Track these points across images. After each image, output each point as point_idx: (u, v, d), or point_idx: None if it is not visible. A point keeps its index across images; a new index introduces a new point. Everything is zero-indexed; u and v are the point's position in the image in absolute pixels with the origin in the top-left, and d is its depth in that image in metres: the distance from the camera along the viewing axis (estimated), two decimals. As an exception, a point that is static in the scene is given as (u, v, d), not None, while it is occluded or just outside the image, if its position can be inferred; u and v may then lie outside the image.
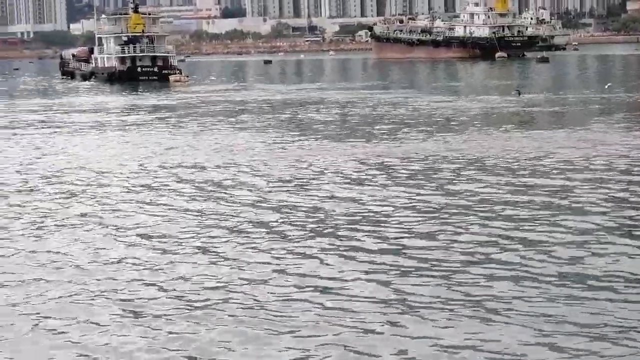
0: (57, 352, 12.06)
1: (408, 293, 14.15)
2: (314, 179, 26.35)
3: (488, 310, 13.16)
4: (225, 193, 24.27)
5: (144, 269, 16.28)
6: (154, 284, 15.18)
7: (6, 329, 13.06)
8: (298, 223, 19.94)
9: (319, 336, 12.26)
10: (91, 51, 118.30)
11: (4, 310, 13.95)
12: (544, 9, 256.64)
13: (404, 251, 16.99)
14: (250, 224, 19.98)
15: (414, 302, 13.65)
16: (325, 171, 27.83)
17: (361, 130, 40.78)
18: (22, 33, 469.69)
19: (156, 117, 52.25)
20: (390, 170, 27.53)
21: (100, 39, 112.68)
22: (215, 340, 12.27)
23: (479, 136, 36.59)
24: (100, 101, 70.99)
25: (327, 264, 16.21)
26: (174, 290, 14.77)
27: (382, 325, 12.65)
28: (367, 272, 15.46)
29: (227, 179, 26.75)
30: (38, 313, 13.73)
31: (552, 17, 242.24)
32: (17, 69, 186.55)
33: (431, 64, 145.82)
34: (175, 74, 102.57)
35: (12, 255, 17.67)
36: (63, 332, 12.81)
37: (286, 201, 22.67)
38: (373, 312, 13.24)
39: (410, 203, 21.91)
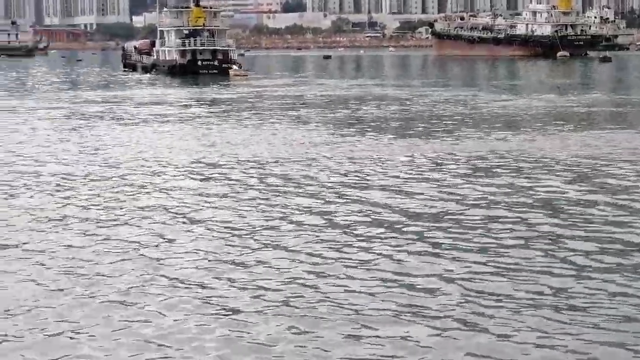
0: (122, 343, 12.17)
1: (488, 293, 14.04)
2: (375, 174, 26.29)
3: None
4: (288, 187, 24.33)
5: (213, 261, 16.38)
6: (225, 277, 15.25)
7: (78, 315, 13.25)
8: (362, 218, 19.91)
9: (394, 337, 12.20)
10: (153, 44, 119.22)
11: (80, 299, 14.13)
12: (608, 7, 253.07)
13: (472, 246, 16.86)
14: (317, 217, 20.02)
15: (491, 301, 13.54)
16: (385, 167, 27.75)
17: (421, 128, 40.61)
18: (85, 25, 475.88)
19: (216, 110, 52.56)
20: (450, 168, 27.35)
21: (162, 31, 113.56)
22: (284, 336, 12.29)
23: (539, 135, 36.23)
24: (160, 94, 71.60)
25: (401, 260, 16.13)
26: (246, 283, 14.84)
27: (460, 327, 12.55)
28: (450, 271, 15.37)
29: (289, 173, 26.81)
30: (109, 301, 13.91)
31: (616, 16, 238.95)
32: (80, 60, 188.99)
33: (492, 62, 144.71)
34: (235, 67, 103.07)
35: (83, 245, 17.86)
36: (130, 321, 12.94)
37: (350, 196, 22.65)
38: (449, 310, 13.16)
39: (475, 200, 21.75)
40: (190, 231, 19.03)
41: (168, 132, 40.26)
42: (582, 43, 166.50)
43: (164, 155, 31.53)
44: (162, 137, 38.29)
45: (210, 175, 26.79)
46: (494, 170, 26.85)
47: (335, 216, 20.28)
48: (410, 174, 26.41)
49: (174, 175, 26.87)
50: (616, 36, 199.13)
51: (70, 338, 12.31)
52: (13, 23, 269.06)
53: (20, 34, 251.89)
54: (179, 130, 41.08)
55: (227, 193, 23.58)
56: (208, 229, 19.17)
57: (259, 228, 19.11)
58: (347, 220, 19.78)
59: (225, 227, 19.25)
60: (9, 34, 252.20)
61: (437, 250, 16.88)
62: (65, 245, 17.68)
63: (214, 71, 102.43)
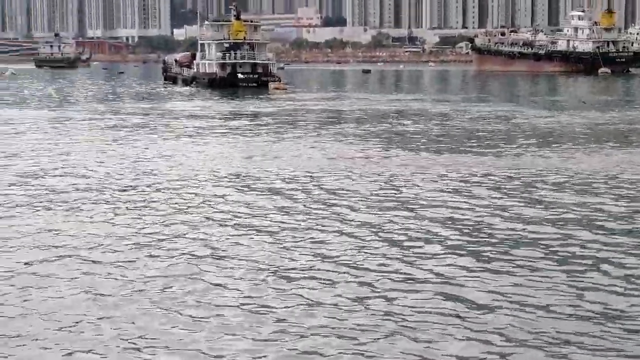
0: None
1: (536, 307, 13.97)
2: (417, 188, 26.25)
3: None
4: (331, 199, 24.39)
5: (266, 271, 16.57)
6: (280, 288, 15.38)
7: (145, 321, 13.43)
8: (407, 231, 19.90)
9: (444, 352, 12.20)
10: (193, 57, 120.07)
11: (141, 304, 14.33)
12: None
13: (515, 262, 16.79)
14: (359, 229, 20.11)
15: (542, 317, 13.48)
16: (426, 181, 27.69)
17: (461, 143, 40.47)
18: (127, 37, 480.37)
19: (255, 124, 52.75)
20: (490, 184, 27.24)
21: (202, 44, 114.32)
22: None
23: (580, 152, 35.98)
24: (200, 106, 72.00)
25: (449, 275, 16.12)
26: (302, 294, 14.96)
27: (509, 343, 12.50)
28: (512, 285, 15.33)
29: (330, 186, 26.86)
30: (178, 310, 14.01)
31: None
32: (121, 73, 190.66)
33: (532, 78, 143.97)
34: (275, 81, 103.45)
35: (129, 255, 18.03)
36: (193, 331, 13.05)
37: (391, 209, 22.63)
38: (498, 325, 13.12)
39: (517, 216, 21.65)
40: (239, 240, 19.28)
41: (208, 145, 40.45)
42: (623, 60, 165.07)
43: (206, 168, 31.68)
44: (202, 149, 38.47)
45: (253, 187, 26.90)
46: (535, 187, 26.69)
47: (379, 229, 20.27)
48: (451, 188, 26.33)
49: (218, 188, 27.00)
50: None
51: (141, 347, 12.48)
52: (56, 35, 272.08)
53: (63, 46, 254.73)
54: (218, 143, 41.26)
55: (273, 205, 23.72)
56: (258, 239, 19.36)
57: (304, 239, 19.23)
58: (391, 234, 19.76)
59: (274, 238, 19.44)
60: (52, 46, 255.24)
61: (480, 265, 16.82)
62: (120, 259, 17.85)
63: (254, 84, 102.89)
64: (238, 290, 15.29)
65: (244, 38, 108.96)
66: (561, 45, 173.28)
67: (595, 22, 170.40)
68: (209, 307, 14.31)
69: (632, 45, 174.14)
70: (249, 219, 21.77)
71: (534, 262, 17.13)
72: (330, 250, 18.31)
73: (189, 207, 23.64)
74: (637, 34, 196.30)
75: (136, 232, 20.34)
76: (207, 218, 21.94)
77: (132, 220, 21.77)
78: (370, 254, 17.96)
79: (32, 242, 19.20)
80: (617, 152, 35.96)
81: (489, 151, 36.66)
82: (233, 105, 73.19)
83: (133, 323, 13.50)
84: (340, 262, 17.24)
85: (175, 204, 24.11)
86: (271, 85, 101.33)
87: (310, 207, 23.33)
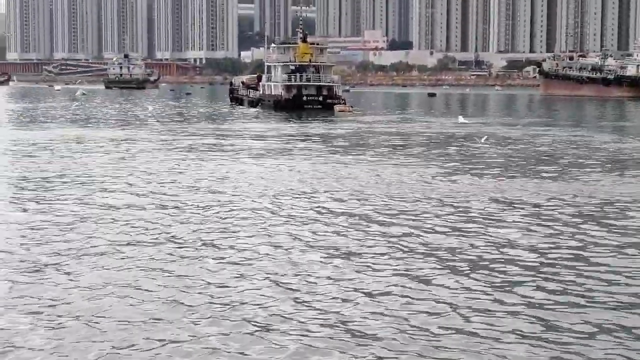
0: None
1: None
2: (488, 213, 26.01)
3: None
4: (398, 221, 24.26)
5: (341, 287, 16.59)
6: (360, 305, 15.28)
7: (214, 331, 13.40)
8: (483, 254, 19.71)
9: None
10: (259, 78, 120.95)
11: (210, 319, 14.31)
12: None
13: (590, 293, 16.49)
14: (441, 254, 19.92)
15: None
16: (497, 206, 27.42)
17: (529, 167, 40.04)
18: (195, 59, 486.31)
19: (320, 146, 52.81)
20: (557, 209, 26.88)
21: (269, 67, 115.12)
22: None
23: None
24: (265, 128, 72.37)
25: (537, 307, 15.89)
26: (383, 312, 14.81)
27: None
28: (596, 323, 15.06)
29: (398, 208, 26.74)
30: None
31: None
32: (189, 94, 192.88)
33: (601, 103, 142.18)
34: (340, 103, 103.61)
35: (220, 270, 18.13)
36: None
37: (459, 232, 22.45)
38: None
39: (587, 243, 21.33)
40: (320, 261, 19.41)
41: (272, 166, 40.58)
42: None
43: (272, 189, 31.78)
44: (266, 169, 38.61)
45: (322, 207, 26.93)
46: (605, 213, 26.28)
47: (448, 251, 20.10)
48: (519, 213, 26.04)
49: (288, 206, 27.07)
50: None
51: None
52: (126, 56, 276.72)
53: (132, 67, 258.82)
54: (283, 164, 41.36)
55: (344, 225, 23.73)
56: (330, 259, 19.37)
57: (376, 258, 19.18)
58: (468, 257, 19.58)
59: (349, 257, 19.53)
60: (121, 67, 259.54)
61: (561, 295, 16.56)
62: (207, 276, 17.97)
63: (319, 106, 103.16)
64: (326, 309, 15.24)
65: (310, 60, 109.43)
66: (630, 71, 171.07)
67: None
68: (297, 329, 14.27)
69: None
70: (319, 236, 21.81)
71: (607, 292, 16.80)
72: (408, 269, 18.17)
73: (251, 224, 23.71)
74: None
75: (212, 246, 20.46)
76: (283, 233, 22.08)
77: (216, 233, 21.93)
78: (443, 274, 17.81)
79: (111, 262, 19.41)
80: (688, 179, 35.23)
81: (558, 176, 36.20)
82: (297, 127, 73.45)
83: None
84: (421, 280, 17.12)
85: (241, 219, 24.20)
86: (336, 107, 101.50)
87: (380, 227, 23.22)
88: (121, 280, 17.60)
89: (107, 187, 32.30)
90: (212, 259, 19.73)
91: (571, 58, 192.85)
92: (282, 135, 62.94)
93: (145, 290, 16.78)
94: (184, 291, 16.72)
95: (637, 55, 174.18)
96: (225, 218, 25.29)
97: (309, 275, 18.15)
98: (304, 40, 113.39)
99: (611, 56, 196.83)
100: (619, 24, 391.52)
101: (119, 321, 14.70)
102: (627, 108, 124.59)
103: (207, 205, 27.71)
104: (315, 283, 17.41)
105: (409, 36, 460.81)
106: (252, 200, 28.84)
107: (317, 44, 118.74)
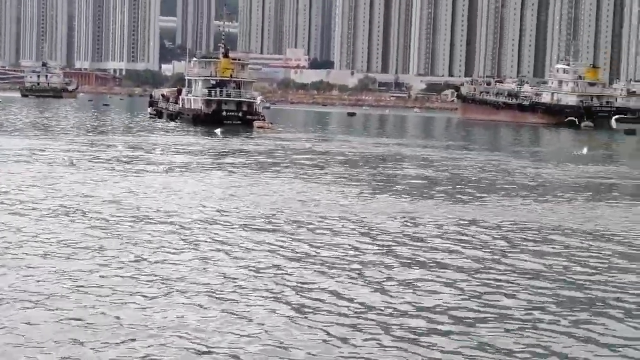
0: None
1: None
2: (395, 233, 26.11)
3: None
4: (305, 238, 24.18)
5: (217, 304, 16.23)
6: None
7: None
8: (382, 275, 19.73)
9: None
10: (180, 92, 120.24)
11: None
12: (636, 81, 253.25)
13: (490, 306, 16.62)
14: (349, 274, 19.86)
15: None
16: (407, 226, 27.56)
17: (443, 190, 40.42)
18: (115, 70, 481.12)
19: (236, 161, 52.58)
20: (470, 232, 27.15)
21: (189, 80, 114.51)
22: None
23: (557, 204, 35.98)
24: (181, 142, 71.85)
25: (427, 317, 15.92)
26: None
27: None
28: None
29: (311, 231, 26.65)
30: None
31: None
32: (107, 105, 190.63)
33: (516, 128, 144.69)
34: (259, 120, 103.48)
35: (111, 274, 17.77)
36: None
37: (365, 252, 22.48)
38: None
39: (492, 263, 21.55)
40: (216, 270, 19.13)
41: (185, 180, 40.23)
42: (607, 114, 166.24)
43: (181, 203, 31.50)
44: (178, 184, 38.27)
45: (227, 223, 26.72)
46: (509, 237, 26.63)
47: (348, 271, 20.10)
48: (431, 235, 26.23)
49: (194, 223, 26.80)
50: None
51: None
52: (44, 64, 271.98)
53: (50, 76, 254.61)
54: (193, 179, 41.04)
55: (243, 242, 23.56)
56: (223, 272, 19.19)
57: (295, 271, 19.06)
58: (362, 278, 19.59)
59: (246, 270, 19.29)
60: (38, 75, 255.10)
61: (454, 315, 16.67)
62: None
63: (238, 122, 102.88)
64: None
65: (231, 76, 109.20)
66: (545, 98, 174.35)
67: (580, 76, 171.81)
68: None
69: (615, 100, 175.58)
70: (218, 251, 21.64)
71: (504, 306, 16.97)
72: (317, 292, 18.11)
73: (163, 238, 23.43)
74: (621, 90, 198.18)
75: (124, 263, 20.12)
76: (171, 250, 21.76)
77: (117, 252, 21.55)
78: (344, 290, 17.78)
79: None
80: (591, 206, 35.93)
81: (471, 199, 36.61)
82: (214, 142, 73.07)
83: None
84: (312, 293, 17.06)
85: (149, 237, 23.90)
86: (256, 124, 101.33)
87: (273, 245, 23.15)
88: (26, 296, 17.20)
89: (12, 201, 31.64)
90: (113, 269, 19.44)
91: (488, 83, 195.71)
92: (198, 150, 62.53)
93: (58, 308, 16.40)
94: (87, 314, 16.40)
95: (552, 82, 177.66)
96: (137, 231, 24.95)
97: (222, 286, 18.00)
98: (226, 56, 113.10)
99: (527, 82, 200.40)
100: (535, 51, 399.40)
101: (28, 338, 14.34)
102: (541, 134, 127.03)
103: (116, 219, 27.30)
104: (222, 295, 17.26)
105: (331, 55, 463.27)
106: (163, 215, 28.52)
107: (239, 60, 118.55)
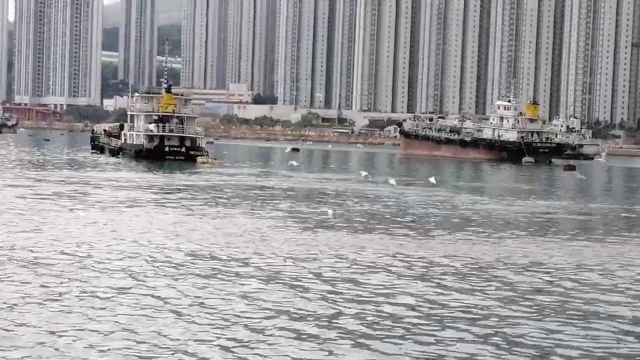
0: None
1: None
2: (334, 269, 26.02)
3: None
4: (246, 285, 24.00)
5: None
6: None
7: None
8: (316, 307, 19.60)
9: None
10: (122, 127, 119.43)
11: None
12: (575, 117, 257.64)
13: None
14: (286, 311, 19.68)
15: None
16: (344, 262, 27.51)
17: (383, 225, 40.48)
18: (55, 105, 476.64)
19: (177, 197, 52.23)
20: (407, 266, 27.18)
21: (132, 116, 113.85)
22: None
23: (497, 239, 36.24)
24: (123, 177, 71.24)
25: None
26: None
27: None
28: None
29: (253, 268, 26.48)
30: None
31: (582, 126, 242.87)
32: (47, 140, 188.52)
33: (457, 164, 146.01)
34: (203, 155, 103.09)
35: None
36: None
37: (305, 288, 22.36)
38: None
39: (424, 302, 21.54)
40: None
41: (122, 217, 39.82)
42: (547, 150, 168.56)
43: (115, 238, 31.14)
44: (118, 220, 37.86)
45: (168, 255, 26.46)
46: (440, 273, 26.71)
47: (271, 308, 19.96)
48: (369, 270, 26.19)
49: (134, 255, 26.49)
50: (582, 145, 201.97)
51: None
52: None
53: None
54: (135, 214, 40.65)
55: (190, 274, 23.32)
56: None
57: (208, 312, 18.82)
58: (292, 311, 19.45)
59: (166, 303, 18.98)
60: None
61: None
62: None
63: (181, 157, 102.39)
64: None
65: (174, 111, 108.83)
66: (487, 133, 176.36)
67: (521, 113, 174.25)
68: None
69: (555, 136, 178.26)
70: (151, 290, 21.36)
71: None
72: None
73: (95, 271, 23.10)
74: (561, 126, 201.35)
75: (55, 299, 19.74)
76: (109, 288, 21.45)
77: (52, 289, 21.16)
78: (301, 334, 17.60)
79: None
80: (529, 241, 36.23)
81: (410, 234, 36.72)
82: (155, 178, 72.55)
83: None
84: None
85: (77, 272, 23.54)
86: (199, 159, 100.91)
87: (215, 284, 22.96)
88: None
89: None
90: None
91: (431, 119, 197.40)
92: (139, 186, 62.01)
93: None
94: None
95: (494, 119, 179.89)
96: (73, 266, 24.59)
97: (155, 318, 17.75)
98: (168, 91, 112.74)
99: (469, 119, 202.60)
100: (477, 88, 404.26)
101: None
102: (482, 170, 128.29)
103: (51, 254, 26.89)
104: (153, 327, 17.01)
105: (274, 91, 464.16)
106: (100, 249, 28.16)
107: (182, 95, 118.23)
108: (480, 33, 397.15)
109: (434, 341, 17.85)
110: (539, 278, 26.49)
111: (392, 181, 65.09)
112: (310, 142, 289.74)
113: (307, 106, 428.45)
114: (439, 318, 20.11)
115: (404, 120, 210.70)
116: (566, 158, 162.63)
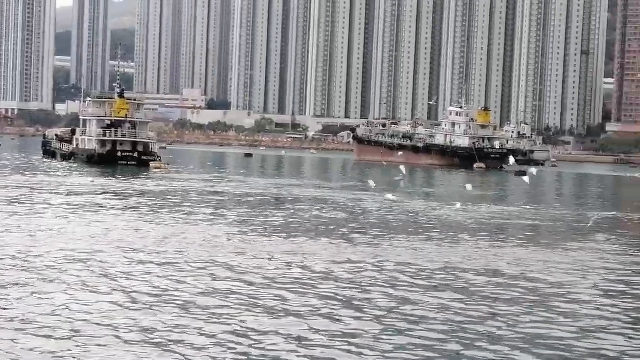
0: None
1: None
2: (287, 274, 26.30)
3: None
4: (191, 283, 24.17)
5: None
6: None
7: None
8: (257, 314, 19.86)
9: None
10: (74, 132, 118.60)
11: None
12: (526, 124, 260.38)
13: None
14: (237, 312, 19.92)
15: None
16: (298, 266, 27.78)
17: (336, 230, 40.82)
18: (7, 110, 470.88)
19: (129, 202, 52.14)
20: (353, 270, 27.52)
21: (84, 120, 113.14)
22: None
23: (446, 243, 36.75)
24: (74, 183, 70.85)
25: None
26: None
27: None
28: None
29: (205, 274, 26.65)
30: None
31: (533, 133, 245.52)
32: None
33: (410, 169, 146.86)
34: (156, 160, 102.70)
35: None
36: None
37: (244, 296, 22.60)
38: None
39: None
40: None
41: (71, 221, 39.74)
42: (498, 156, 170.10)
43: (62, 244, 31.14)
44: (65, 225, 37.79)
45: (117, 260, 26.55)
46: (393, 277, 27.09)
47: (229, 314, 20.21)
48: (320, 275, 26.51)
49: (73, 265, 26.54)
50: (532, 151, 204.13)
51: None
52: None
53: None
54: (84, 220, 40.59)
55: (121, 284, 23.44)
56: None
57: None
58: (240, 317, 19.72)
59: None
60: None
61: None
62: None
63: (133, 163, 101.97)
64: None
65: (126, 116, 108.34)
66: (439, 140, 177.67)
67: (472, 119, 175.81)
68: None
69: (506, 142, 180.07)
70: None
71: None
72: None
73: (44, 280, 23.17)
74: (512, 132, 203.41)
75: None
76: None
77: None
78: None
79: None
80: (475, 245, 36.81)
81: (364, 239, 37.09)
82: (110, 183, 72.27)
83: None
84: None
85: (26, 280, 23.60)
86: (152, 164, 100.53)
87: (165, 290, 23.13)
88: None
89: None
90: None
91: (384, 125, 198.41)
92: (91, 191, 61.77)
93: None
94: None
95: (446, 125, 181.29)
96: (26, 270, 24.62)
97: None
98: (121, 96, 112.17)
99: (422, 125, 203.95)
100: (429, 95, 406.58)
101: None
102: (434, 175, 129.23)
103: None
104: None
105: (228, 96, 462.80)
106: (49, 256, 28.18)
107: (135, 100, 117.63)
108: (433, 40, 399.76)
109: (376, 344, 18.19)
110: (488, 282, 27.00)
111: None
112: (264, 148, 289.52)
113: (260, 112, 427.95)
114: (380, 322, 20.47)
115: (357, 126, 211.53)
116: (517, 164, 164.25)
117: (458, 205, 57.33)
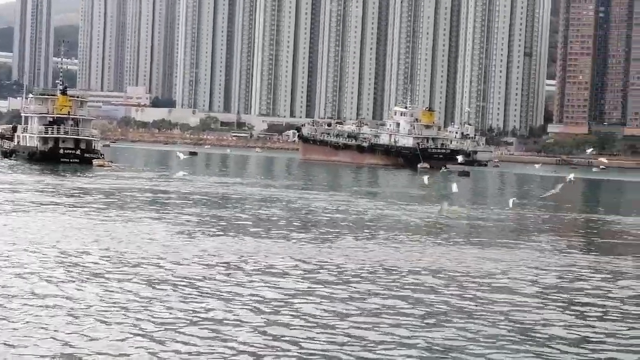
0: None
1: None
2: (226, 273, 26.32)
3: None
4: (135, 282, 24.09)
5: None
6: None
7: None
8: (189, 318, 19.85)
9: None
10: (15, 129, 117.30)
11: None
12: (469, 124, 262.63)
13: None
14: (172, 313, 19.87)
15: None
16: (233, 266, 27.81)
17: (278, 229, 40.88)
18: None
19: (69, 201, 51.66)
20: (293, 268, 27.62)
21: (25, 117, 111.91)
22: None
23: (389, 243, 37.00)
24: (13, 180, 70.00)
25: None
26: None
27: None
28: None
29: (148, 273, 26.55)
30: None
31: (476, 133, 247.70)
32: None
33: (355, 169, 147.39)
34: (98, 158, 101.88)
35: None
36: None
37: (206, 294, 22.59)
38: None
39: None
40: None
41: (17, 219, 39.34)
42: (442, 156, 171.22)
43: (16, 242, 30.86)
44: (8, 224, 37.41)
45: (59, 259, 26.35)
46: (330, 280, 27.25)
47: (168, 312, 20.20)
48: (257, 274, 26.58)
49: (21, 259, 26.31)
50: (476, 152, 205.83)
51: None
52: None
53: None
54: (25, 218, 40.19)
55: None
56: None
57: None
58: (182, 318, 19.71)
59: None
60: None
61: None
62: None
63: (76, 160, 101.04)
64: None
65: (69, 113, 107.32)
66: (383, 139, 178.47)
67: (417, 119, 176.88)
68: None
69: (450, 142, 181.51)
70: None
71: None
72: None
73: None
74: (456, 133, 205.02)
75: None
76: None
77: None
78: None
79: None
80: (415, 245, 37.15)
81: (305, 237, 37.20)
82: (48, 181, 71.48)
83: None
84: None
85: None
86: (95, 162, 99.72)
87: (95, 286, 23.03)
88: None
89: None
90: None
91: (329, 124, 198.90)
92: (33, 189, 61.09)
93: None
94: None
95: (390, 124, 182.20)
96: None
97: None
98: (64, 93, 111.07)
99: (367, 124, 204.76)
100: (374, 94, 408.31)
101: None
102: (378, 175, 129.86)
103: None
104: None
105: (173, 94, 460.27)
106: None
107: (78, 97, 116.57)
108: (379, 39, 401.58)
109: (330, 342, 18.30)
110: (432, 280, 27.26)
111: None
112: (209, 146, 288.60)
113: (206, 110, 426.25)
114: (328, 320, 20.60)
115: (302, 125, 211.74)
116: (460, 164, 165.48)
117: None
